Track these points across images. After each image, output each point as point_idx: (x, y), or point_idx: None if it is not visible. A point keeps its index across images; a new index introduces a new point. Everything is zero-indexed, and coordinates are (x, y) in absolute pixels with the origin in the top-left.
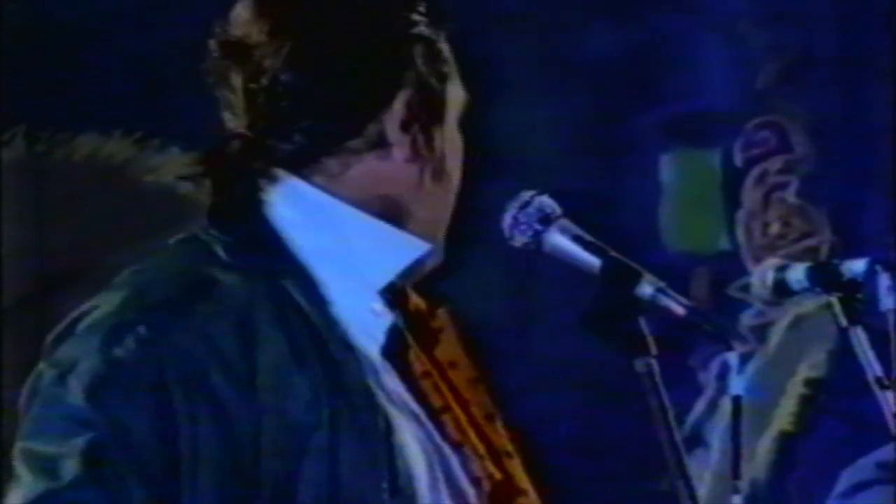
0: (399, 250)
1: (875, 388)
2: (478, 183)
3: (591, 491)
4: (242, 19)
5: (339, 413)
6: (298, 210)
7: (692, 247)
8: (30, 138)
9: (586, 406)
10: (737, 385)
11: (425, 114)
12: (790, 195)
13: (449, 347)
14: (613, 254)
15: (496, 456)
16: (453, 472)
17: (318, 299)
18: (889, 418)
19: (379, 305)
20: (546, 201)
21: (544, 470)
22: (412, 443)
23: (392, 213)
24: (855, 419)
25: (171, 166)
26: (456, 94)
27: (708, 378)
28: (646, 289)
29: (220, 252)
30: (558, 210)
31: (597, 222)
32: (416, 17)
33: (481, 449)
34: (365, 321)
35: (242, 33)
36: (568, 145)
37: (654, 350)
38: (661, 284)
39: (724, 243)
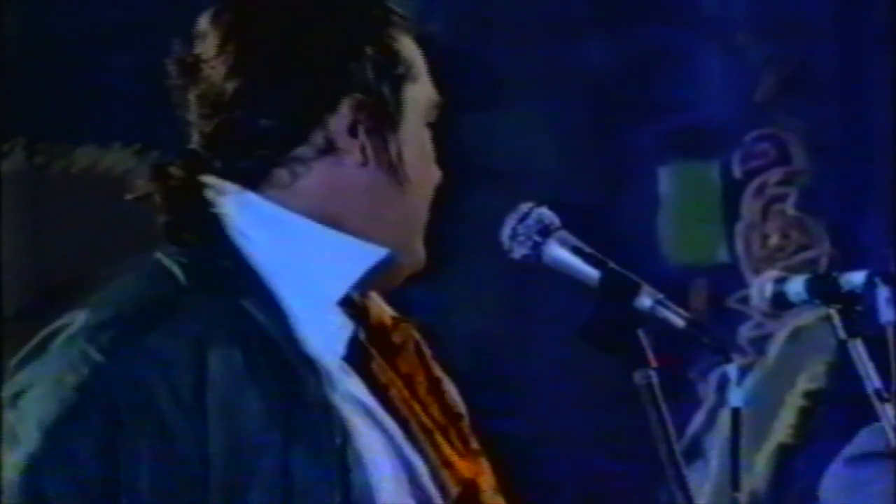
0: (354, 258)
1: (874, 400)
2: (476, 194)
3: (590, 502)
4: (201, 34)
5: (293, 431)
6: (254, 224)
7: (691, 259)
8: (29, 150)
9: (585, 418)
10: (736, 397)
11: (375, 118)
12: (789, 207)
13: (409, 360)
14: (612, 266)
15: (461, 458)
16: (420, 479)
17: (278, 315)
18: (888, 431)
19: (338, 317)
20: (545, 213)
21: (544, 480)
22: (376, 451)
23: (351, 220)
24: (854, 432)
25: None
26: (419, 96)
27: (707, 390)
28: (645, 301)
29: (179, 275)
30: (557, 222)
31: (596, 234)
32: (364, 22)
33: (448, 451)
34: (326, 333)
35: (200, 49)
36: (567, 157)
37: (653, 362)
38: (660, 296)
39: (722, 255)
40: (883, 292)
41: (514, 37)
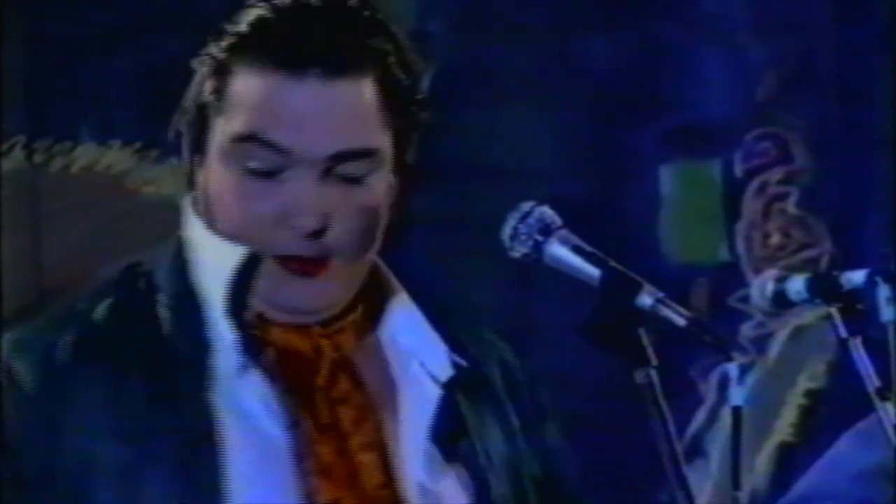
0: (229, 261)
1: (875, 399)
2: (476, 194)
3: (591, 502)
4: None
5: (161, 446)
6: (187, 226)
7: (692, 257)
8: (28, 149)
9: (586, 416)
10: (737, 396)
11: (192, 144)
12: (790, 206)
13: (341, 383)
14: (613, 264)
15: (355, 479)
16: (289, 487)
17: (193, 325)
18: (889, 430)
19: (229, 329)
20: (546, 212)
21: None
22: (248, 468)
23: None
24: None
25: (171, 177)
26: (222, 130)
27: (708, 389)
28: (646, 299)
29: (119, 283)
30: (558, 221)
31: (597, 233)
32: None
33: (337, 466)
34: (226, 343)
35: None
36: (568, 156)
37: (654, 361)
38: (661, 295)
39: (723, 254)
40: (884, 291)
41: (514, 37)
